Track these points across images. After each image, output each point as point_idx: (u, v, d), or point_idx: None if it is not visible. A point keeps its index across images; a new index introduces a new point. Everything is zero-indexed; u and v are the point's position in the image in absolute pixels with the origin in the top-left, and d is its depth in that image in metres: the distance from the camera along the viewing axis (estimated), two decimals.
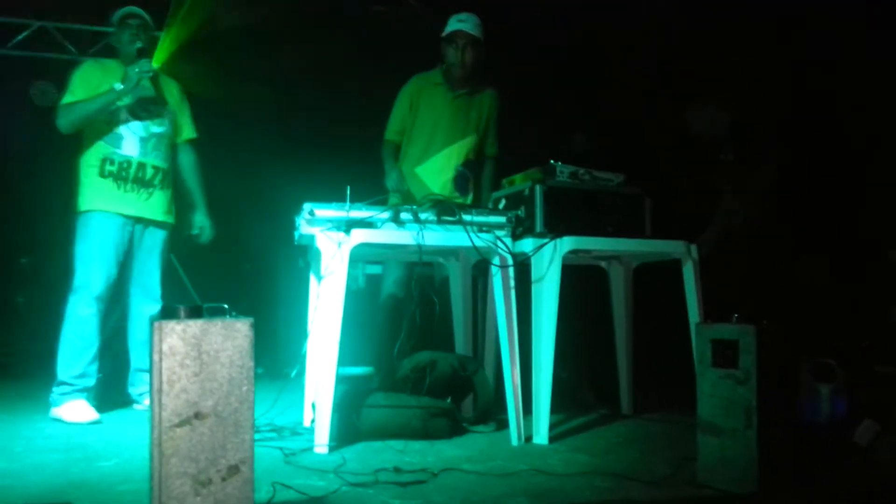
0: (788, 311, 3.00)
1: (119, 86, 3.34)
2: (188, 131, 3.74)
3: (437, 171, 3.77)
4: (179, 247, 4.64)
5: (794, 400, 2.26)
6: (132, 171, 3.47)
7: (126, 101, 3.44)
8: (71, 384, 3.30)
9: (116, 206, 3.43)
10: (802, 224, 3.74)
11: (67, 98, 3.42)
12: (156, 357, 1.50)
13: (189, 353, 1.51)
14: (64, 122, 3.39)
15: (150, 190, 3.52)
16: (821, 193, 3.96)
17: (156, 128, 3.53)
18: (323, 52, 4.30)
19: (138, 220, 3.51)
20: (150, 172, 3.51)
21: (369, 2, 5.40)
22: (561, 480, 2.26)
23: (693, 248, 3.23)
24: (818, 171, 3.94)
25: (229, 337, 1.54)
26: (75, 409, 3.25)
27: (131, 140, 3.47)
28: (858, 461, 2.32)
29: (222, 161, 5.42)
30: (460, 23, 3.73)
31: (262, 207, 5.31)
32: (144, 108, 3.51)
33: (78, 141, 3.47)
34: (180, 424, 1.49)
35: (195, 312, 1.53)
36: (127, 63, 3.47)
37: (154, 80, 3.58)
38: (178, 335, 1.50)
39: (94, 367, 3.40)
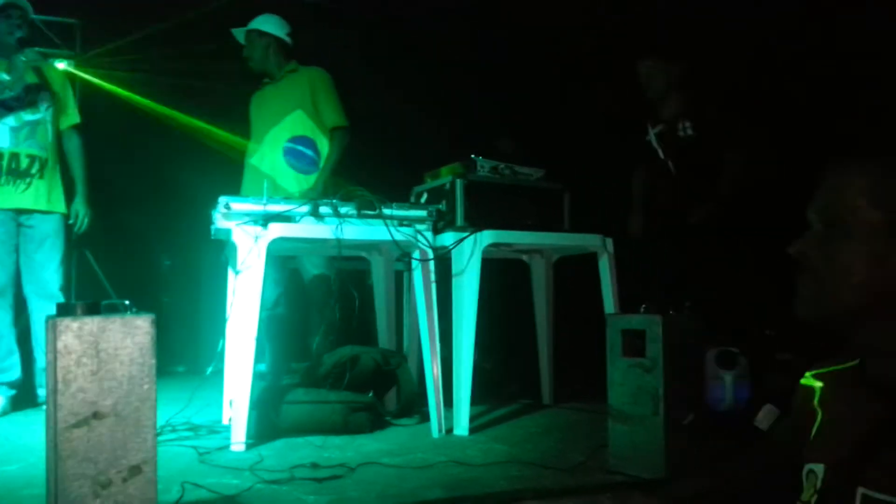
0: (700, 299, 3.10)
1: (6, 77, 3.25)
2: (72, 117, 3.63)
3: (268, 153, 3.73)
4: (96, 242, 4.50)
5: (699, 387, 2.34)
6: (4, 162, 3.34)
7: (9, 93, 3.33)
8: None
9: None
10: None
11: None
12: (51, 356, 1.45)
13: (86, 352, 1.46)
14: None
15: (28, 180, 3.39)
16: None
17: (29, 116, 3.41)
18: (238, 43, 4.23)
19: (19, 212, 3.39)
20: (24, 162, 3.39)
21: None
22: (477, 471, 2.29)
23: (609, 241, 3.31)
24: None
25: (129, 334, 1.49)
26: None
27: (25, 130, 3.36)
28: (759, 444, 2.43)
29: (140, 153, 5.28)
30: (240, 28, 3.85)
31: (182, 201, 5.17)
32: (18, 98, 3.38)
33: None
34: (77, 425, 1.45)
35: (93, 309, 1.49)
36: (4, 53, 3.37)
37: (37, 67, 3.47)
38: (74, 333, 1.45)
39: (11, 361, 3.38)
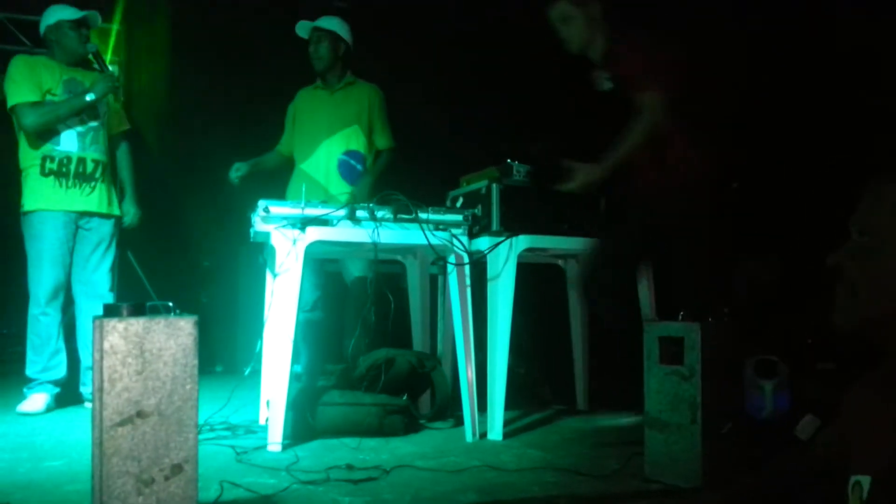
0: (737, 308, 3.06)
1: (91, 96, 3.40)
2: (123, 123, 3.77)
3: (321, 162, 3.79)
4: (137, 244, 4.59)
5: (738, 396, 2.31)
6: (73, 166, 3.46)
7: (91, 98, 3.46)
8: (34, 378, 3.41)
9: (60, 203, 3.42)
10: (753, 220, 3.76)
11: (25, 97, 3.38)
12: (97, 355, 1.49)
13: (131, 352, 1.50)
14: (33, 121, 3.36)
15: (93, 184, 3.51)
16: (776, 187, 3.93)
17: (92, 121, 3.53)
18: (284, 49, 4.29)
19: (82, 215, 3.50)
20: (90, 166, 3.50)
21: None
22: (511, 476, 2.29)
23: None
24: (775, 164, 3.90)
25: (172, 335, 1.53)
26: (31, 402, 3.37)
27: (68, 135, 3.46)
28: (799, 454, 2.39)
29: (181, 156, 5.39)
30: (313, 22, 3.87)
31: (221, 203, 5.26)
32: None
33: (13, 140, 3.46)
34: (122, 423, 1.49)
35: (138, 310, 1.53)
36: (65, 59, 3.50)
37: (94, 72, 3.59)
38: (120, 333, 1.49)
39: (58, 360, 3.48)
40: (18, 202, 3.48)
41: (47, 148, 3.42)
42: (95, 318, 1.52)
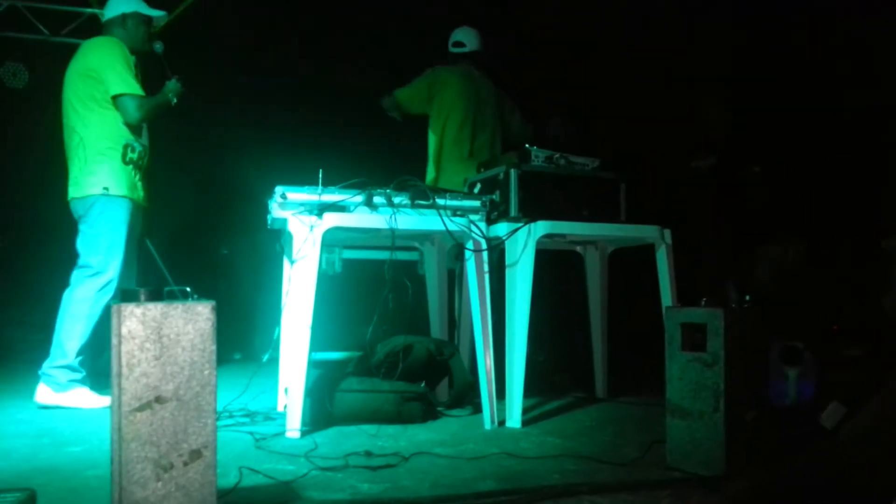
0: (762, 294, 3.01)
1: (174, 100, 3.48)
2: None
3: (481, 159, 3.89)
4: (156, 232, 4.61)
5: (762, 383, 2.27)
6: (146, 160, 3.51)
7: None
8: (78, 370, 3.28)
9: (136, 193, 3.45)
10: (780, 206, 3.73)
11: (137, 89, 3.38)
12: (115, 340, 1.48)
13: (149, 337, 1.49)
14: (141, 116, 3.38)
15: (145, 177, 3.54)
16: (803, 178, 3.94)
17: None
18: (300, 36, 4.28)
19: (139, 207, 3.52)
20: (148, 158, 3.54)
21: None
22: (531, 464, 2.27)
23: (667, 233, 3.24)
24: (805, 156, 3.91)
25: (191, 320, 1.52)
26: (85, 396, 3.27)
27: (144, 128, 3.50)
28: (824, 443, 2.35)
29: (200, 143, 5.39)
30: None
31: (239, 190, 5.27)
32: None
33: (83, 119, 3.37)
34: (140, 409, 1.48)
35: (155, 295, 1.52)
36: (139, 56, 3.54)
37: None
38: (138, 318, 1.48)
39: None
40: (62, 187, 3.42)
41: (131, 138, 3.41)
42: (112, 303, 1.51)
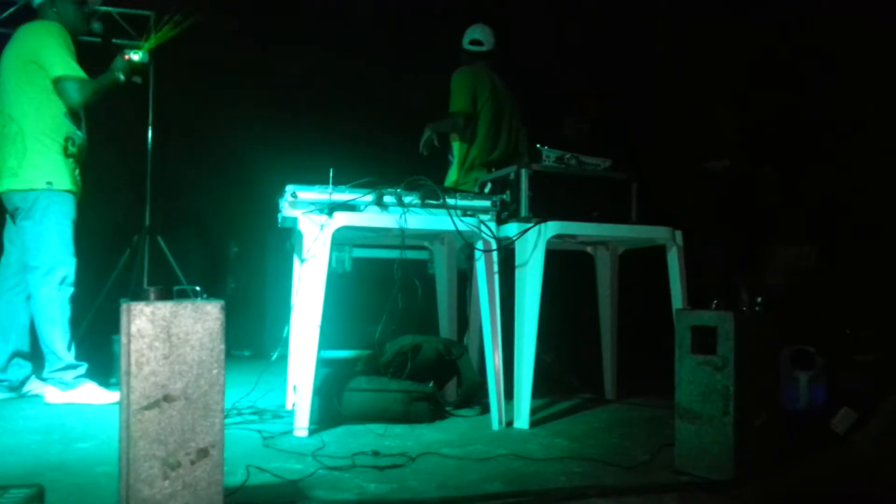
0: (773, 297, 2.99)
1: (122, 77, 3.35)
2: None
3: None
4: (168, 231, 4.63)
5: (772, 387, 2.25)
6: (84, 153, 3.42)
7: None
8: (79, 365, 3.29)
9: (77, 188, 3.38)
10: (790, 211, 3.73)
11: (77, 71, 3.29)
12: (124, 339, 1.49)
13: (158, 336, 1.49)
14: (83, 99, 3.31)
15: (83, 168, 3.47)
16: (816, 180, 3.93)
17: None
18: (312, 37, 4.29)
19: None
20: (86, 151, 3.46)
21: None
22: (538, 465, 2.26)
23: (678, 234, 3.22)
24: (813, 161, 3.91)
25: (199, 319, 1.52)
26: (94, 391, 3.28)
27: (83, 119, 3.42)
28: (834, 448, 2.33)
29: (209, 142, 5.41)
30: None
31: (249, 189, 5.29)
32: None
33: (22, 107, 3.27)
34: (149, 407, 1.48)
35: (165, 294, 1.52)
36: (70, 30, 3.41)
37: None
38: (147, 317, 1.48)
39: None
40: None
41: (71, 130, 3.33)
42: (122, 301, 1.51)
